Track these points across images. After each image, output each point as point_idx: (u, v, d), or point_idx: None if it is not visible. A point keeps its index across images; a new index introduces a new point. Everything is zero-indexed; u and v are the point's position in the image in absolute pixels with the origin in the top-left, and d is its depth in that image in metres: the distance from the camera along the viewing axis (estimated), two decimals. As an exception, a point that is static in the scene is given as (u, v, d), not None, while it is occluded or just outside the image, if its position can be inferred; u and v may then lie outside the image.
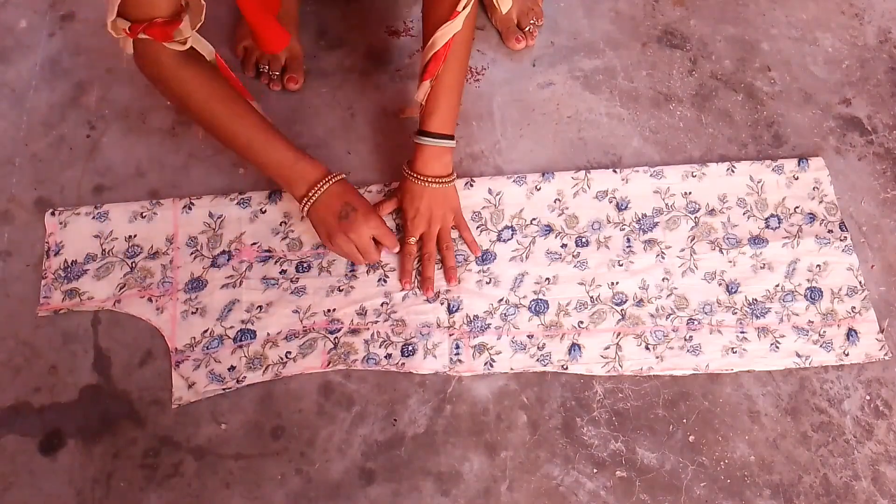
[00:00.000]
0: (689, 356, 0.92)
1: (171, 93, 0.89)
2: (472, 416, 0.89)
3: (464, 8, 0.85)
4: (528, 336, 0.93)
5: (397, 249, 0.95)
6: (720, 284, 0.97)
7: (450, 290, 0.95)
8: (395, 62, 1.13)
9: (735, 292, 0.96)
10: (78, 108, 1.06)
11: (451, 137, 0.93)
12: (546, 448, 0.87)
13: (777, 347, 0.93)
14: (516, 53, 1.15)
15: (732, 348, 0.93)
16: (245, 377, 0.89)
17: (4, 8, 1.14)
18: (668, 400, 0.90)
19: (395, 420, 0.88)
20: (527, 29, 1.14)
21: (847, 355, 0.93)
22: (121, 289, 0.94)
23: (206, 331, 0.92)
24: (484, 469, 0.86)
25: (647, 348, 0.93)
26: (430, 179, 0.93)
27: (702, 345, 0.93)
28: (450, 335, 0.93)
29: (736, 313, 0.95)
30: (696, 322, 0.94)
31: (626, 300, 0.96)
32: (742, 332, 0.94)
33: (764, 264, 0.98)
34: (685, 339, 0.93)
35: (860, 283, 0.97)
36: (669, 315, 0.95)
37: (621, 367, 0.92)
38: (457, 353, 0.92)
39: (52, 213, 0.98)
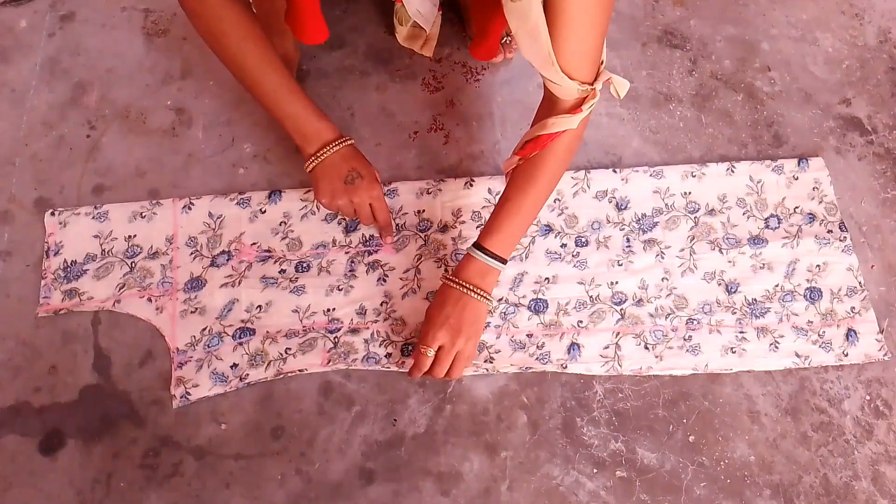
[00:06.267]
0: (689, 356, 0.92)
1: (208, 29, 0.88)
2: (472, 416, 0.89)
3: (589, 108, 0.81)
4: (527, 335, 0.93)
5: (389, 236, 0.97)
6: (720, 284, 0.97)
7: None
8: (395, 62, 1.13)
9: (734, 292, 0.96)
10: (78, 108, 1.06)
11: (503, 261, 0.88)
12: (546, 448, 0.87)
13: (776, 347, 0.93)
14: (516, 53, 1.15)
15: (732, 348, 0.93)
16: (248, 374, 0.89)
17: (4, 8, 1.14)
18: (668, 400, 0.90)
19: (395, 420, 0.88)
20: (503, 41, 1.12)
21: (846, 355, 0.93)
22: (120, 289, 0.94)
23: (205, 328, 0.92)
24: (484, 469, 0.86)
25: (647, 348, 0.93)
26: (470, 287, 0.86)
27: (701, 344, 0.93)
28: (450, 335, 0.93)
29: (735, 313, 0.95)
30: (695, 322, 0.95)
31: (626, 300, 0.96)
32: (741, 332, 0.94)
33: (763, 264, 0.98)
34: (684, 339, 0.93)
35: (860, 283, 0.97)
36: (669, 315, 0.95)
37: (620, 366, 0.92)
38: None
39: (52, 214, 0.98)
